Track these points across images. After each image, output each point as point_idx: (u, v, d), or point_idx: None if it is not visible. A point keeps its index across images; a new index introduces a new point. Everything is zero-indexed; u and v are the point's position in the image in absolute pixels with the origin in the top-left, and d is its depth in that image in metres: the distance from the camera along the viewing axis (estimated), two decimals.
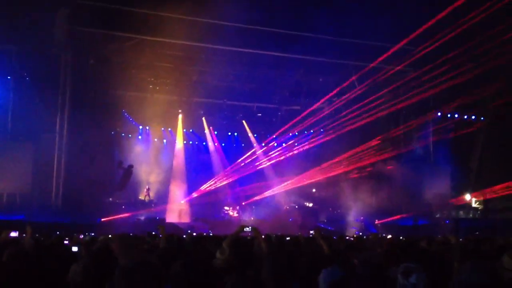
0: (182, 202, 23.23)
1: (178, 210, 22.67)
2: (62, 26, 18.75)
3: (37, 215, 17.75)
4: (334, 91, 22.96)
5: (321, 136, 25.44)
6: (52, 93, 20.27)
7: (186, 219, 23.42)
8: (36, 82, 20.05)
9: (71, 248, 5.71)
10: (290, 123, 25.16)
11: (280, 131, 25.97)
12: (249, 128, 27.11)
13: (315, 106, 24.26)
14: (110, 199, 23.14)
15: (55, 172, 20.30)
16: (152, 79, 23.04)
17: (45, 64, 19.80)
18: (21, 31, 18.11)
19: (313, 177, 24.03)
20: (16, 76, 20.43)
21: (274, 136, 26.94)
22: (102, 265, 4.49)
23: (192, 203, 25.22)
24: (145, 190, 24.48)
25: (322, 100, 24.30)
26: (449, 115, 23.65)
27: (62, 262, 4.04)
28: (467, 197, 23.65)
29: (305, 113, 24.49)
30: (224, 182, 25.64)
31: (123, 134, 25.60)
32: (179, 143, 26.43)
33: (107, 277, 4.36)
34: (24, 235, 6.99)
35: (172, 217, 23.15)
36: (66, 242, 7.63)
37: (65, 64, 20.45)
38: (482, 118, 23.22)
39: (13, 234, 6.92)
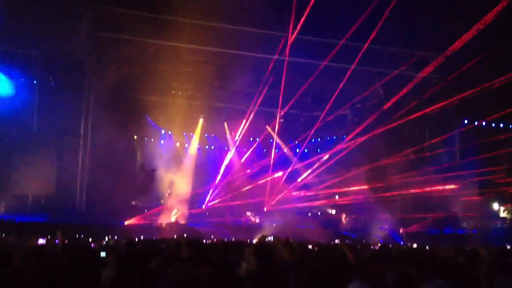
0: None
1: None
2: (87, 31, 19.04)
3: (61, 217, 17.96)
4: (357, 98, 22.77)
5: (344, 143, 25.12)
6: (76, 97, 20.57)
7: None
8: (61, 86, 20.38)
9: (99, 253, 5.72)
10: (313, 129, 24.94)
11: (302, 137, 25.81)
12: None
13: (337, 113, 24.03)
14: (133, 202, 23.31)
15: (79, 175, 20.57)
16: (175, 84, 23.18)
17: (70, 68, 20.12)
18: (46, 36, 18.38)
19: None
20: (41, 80, 20.78)
21: (296, 142, 26.79)
22: (133, 269, 4.52)
23: (213, 208, 25.19)
24: (167, 194, 24.55)
25: (345, 107, 24.10)
26: (476, 123, 23.23)
27: (91, 267, 4.08)
28: (495, 206, 23.12)
29: (327, 119, 24.27)
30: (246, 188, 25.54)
31: (145, 138, 25.83)
32: (194, 147, 26.53)
33: (135, 280, 4.37)
34: (56, 240, 6.98)
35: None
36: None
37: (89, 68, 20.72)
38: (510, 126, 22.76)
39: (41, 241, 6.93)
